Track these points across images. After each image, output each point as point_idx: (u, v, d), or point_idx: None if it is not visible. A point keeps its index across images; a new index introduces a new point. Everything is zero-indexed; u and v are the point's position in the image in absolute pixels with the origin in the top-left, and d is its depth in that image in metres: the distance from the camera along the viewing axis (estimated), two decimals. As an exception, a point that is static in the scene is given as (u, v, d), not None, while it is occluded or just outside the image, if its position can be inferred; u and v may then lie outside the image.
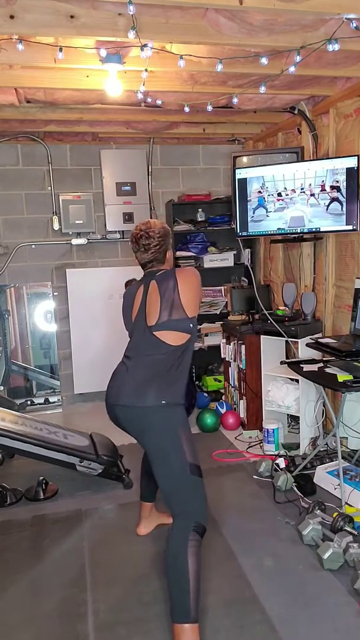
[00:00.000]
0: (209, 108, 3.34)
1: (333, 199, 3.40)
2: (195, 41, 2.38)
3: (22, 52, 2.33)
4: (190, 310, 2.17)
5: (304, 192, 3.55)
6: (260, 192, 3.77)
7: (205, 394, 4.61)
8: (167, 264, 2.36)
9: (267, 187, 3.73)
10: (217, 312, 4.81)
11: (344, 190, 3.36)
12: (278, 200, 3.69)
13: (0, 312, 4.72)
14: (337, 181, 3.36)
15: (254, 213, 3.83)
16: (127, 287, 3.08)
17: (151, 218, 4.78)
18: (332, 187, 3.38)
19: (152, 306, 2.20)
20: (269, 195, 3.73)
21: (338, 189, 3.36)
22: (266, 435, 3.62)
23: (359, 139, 3.30)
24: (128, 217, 4.73)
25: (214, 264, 4.86)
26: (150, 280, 2.25)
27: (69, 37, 2.32)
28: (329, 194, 3.41)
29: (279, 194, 3.68)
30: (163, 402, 2.11)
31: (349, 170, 3.31)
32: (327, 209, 3.45)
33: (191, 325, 2.19)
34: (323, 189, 3.43)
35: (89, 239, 4.77)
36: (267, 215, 3.78)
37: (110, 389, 2.27)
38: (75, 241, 4.73)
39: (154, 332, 2.17)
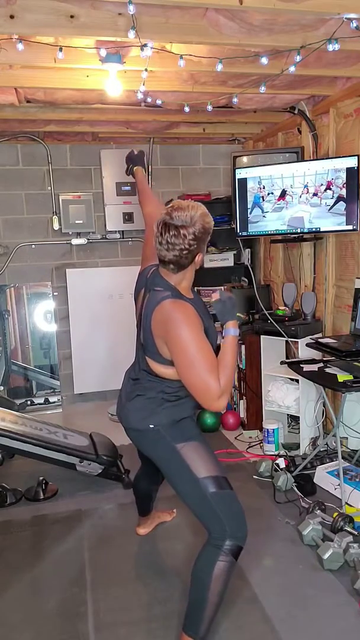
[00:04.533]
0: (209, 108, 3.33)
1: (339, 198, 3.39)
2: (195, 41, 2.38)
3: (22, 52, 2.33)
4: (164, 352, 1.81)
5: (304, 192, 3.55)
6: (257, 192, 3.77)
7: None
8: (190, 270, 1.85)
9: (266, 187, 3.73)
10: (217, 312, 4.80)
11: (344, 190, 3.36)
12: (278, 200, 3.69)
13: (0, 312, 4.72)
14: (343, 178, 3.35)
15: (250, 213, 3.84)
16: (128, 162, 2.66)
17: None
18: (342, 184, 3.36)
19: (141, 322, 1.91)
20: (268, 194, 3.73)
21: (342, 185, 3.35)
22: (266, 435, 3.62)
23: (359, 138, 3.30)
24: (128, 217, 4.73)
25: (214, 264, 4.85)
26: (149, 290, 1.89)
27: (69, 37, 2.32)
28: (337, 191, 3.38)
29: (279, 194, 3.68)
30: (151, 426, 1.90)
31: (349, 170, 3.30)
32: (330, 209, 3.44)
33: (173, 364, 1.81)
34: (328, 187, 3.43)
35: (89, 239, 4.77)
36: (264, 216, 3.78)
37: (118, 397, 2.12)
38: (75, 241, 4.73)
39: (146, 356, 1.91)
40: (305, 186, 3.54)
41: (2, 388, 4.68)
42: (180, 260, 1.77)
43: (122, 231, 4.82)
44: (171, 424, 1.90)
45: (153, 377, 1.92)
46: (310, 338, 3.40)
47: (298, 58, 2.47)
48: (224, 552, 1.77)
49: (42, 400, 4.78)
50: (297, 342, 3.56)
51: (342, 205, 3.39)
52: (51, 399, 4.80)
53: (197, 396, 1.76)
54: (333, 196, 3.42)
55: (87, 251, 4.86)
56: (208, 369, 1.71)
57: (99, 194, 4.76)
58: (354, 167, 3.28)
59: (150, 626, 2.08)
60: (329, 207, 3.45)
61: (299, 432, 3.58)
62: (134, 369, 2.04)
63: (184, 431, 1.91)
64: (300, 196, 3.58)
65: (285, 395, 3.59)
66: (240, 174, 3.85)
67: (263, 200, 3.76)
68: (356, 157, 3.26)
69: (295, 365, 3.13)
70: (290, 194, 3.63)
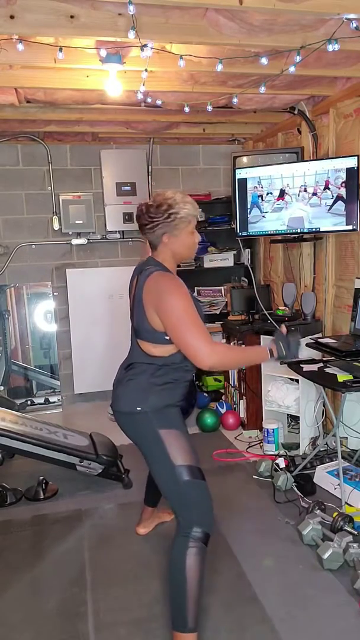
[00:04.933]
0: (209, 108, 3.34)
1: (338, 197, 3.39)
2: (195, 41, 2.38)
3: (22, 52, 2.33)
4: (155, 323, 1.90)
5: (305, 192, 3.55)
6: (255, 192, 3.77)
7: (205, 394, 4.61)
8: (166, 251, 1.97)
9: (264, 187, 3.73)
10: (217, 312, 4.81)
11: (344, 190, 3.36)
12: (277, 200, 3.70)
13: (0, 312, 4.72)
14: (343, 178, 3.35)
15: (249, 214, 3.84)
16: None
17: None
18: (340, 184, 3.36)
19: (134, 304, 2.02)
20: (267, 194, 3.73)
21: (344, 184, 3.35)
22: (266, 435, 3.62)
23: (359, 139, 3.30)
24: (128, 217, 4.73)
25: (214, 264, 4.86)
26: (140, 272, 2.01)
27: (69, 37, 2.32)
28: (336, 191, 3.39)
29: (279, 194, 3.68)
30: (138, 409, 1.98)
31: (349, 170, 3.31)
32: (329, 209, 3.44)
33: (166, 337, 1.90)
34: (327, 187, 3.43)
35: (89, 239, 4.77)
36: (264, 217, 3.78)
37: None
38: (75, 241, 4.73)
39: (138, 340, 2.02)
40: (305, 186, 3.54)
41: (2, 388, 4.68)
42: (150, 237, 1.97)
43: (122, 231, 4.82)
44: (158, 409, 1.98)
45: (145, 358, 2.00)
46: (310, 338, 3.39)
47: (298, 58, 2.47)
48: (192, 538, 1.85)
49: (42, 400, 4.79)
50: (297, 342, 3.56)
51: (340, 205, 3.39)
52: (51, 399, 4.80)
53: (186, 351, 1.83)
54: (332, 196, 3.42)
55: (87, 251, 4.86)
56: (197, 327, 1.80)
57: (99, 194, 4.76)
58: (353, 167, 3.28)
59: (150, 626, 2.08)
60: (329, 207, 3.45)
61: (298, 432, 3.58)
62: (126, 359, 2.14)
63: (169, 419, 2.00)
64: (299, 195, 3.58)
65: (285, 395, 3.59)
66: (240, 174, 3.85)
67: (262, 199, 3.76)
68: (356, 157, 3.26)
69: (295, 365, 3.13)
70: (290, 194, 3.63)
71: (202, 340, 1.79)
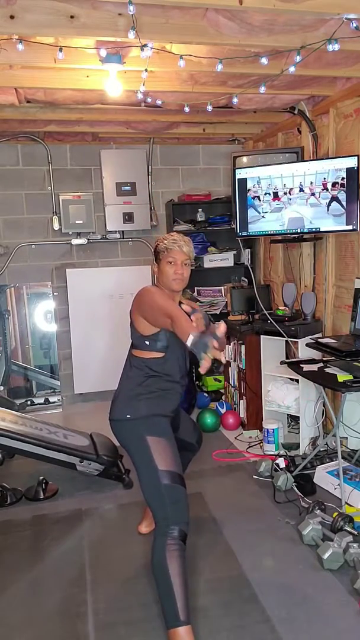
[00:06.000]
0: (209, 108, 3.33)
1: (333, 198, 3.40)
2: (195, 41, 2.38)
3: (22, 52, 2.33)
4: (140, 327, 2.16)
5: (303, 192, 3.55)
6: (249, 194, 3.78)
7: (205, 394, 4.61)
8: (158, 279, 2.27)
9: (262, 187, 3.73)
10: (217, 312, 4.81)
11: (343, 190, 3.36)
12: (274, 200, 3.70)
13: (0, 312, 4.72)
14: (343, 178, 3.35)
15: (247, 215, 3.84)
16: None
17: (152, 219, 4.86)
18: (335, 184, 3.37)
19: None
20: (265, 194, 3.73)
21: (342, 185, 3.35)
22: (266, 435, 3.62)
23: (359, 139, 3.30)
24: (128, 217, 4.73)
25: (214, 264, 4.86)
26: None
27: (69, 37, 2.32)
28: (330, 191, 3.40)
29: (276, 195, 3.68)
30: (128, 416, 2.18)
31: (349, 170, 3.31)
32: (328, 209, 3.45)
33: (146, 342, 2.16)
34: (325, 187, 3.43)
35: (89, 239, 4.77)
36: (263, 217, 3.78)
37: None
38: (75, 241, 4.73)
39: (132, 349, 2.26)
40: (303, 186, 3.54)
41: (2, 388, 4.68)
42: None
43: (122, 231, 4.82)
44: (146, 417, 2.16)
45: (135, 365, 2.21)
46: (310, 338, 3.40)
47: (298, 58, 2.47)
48: (170, 536, 1.96)
49: (42, 400, 4.79)
50: (297, 342, 3.56)
51: (336, 206, 3.39)
52: (51, 399, 4.81)
53: (177, 329, 1.90)
54: (332, 194, 3.42)
55: (87, 251, 4.86)
56: (178, 313, 1.94)
57: (99, 194, 4.76)
58: (353, 167, 3.28)
59: (149, 626, 2.08)
60: (327, 206, 3.45)
61: (299, 432, 3.58)
62: (122, 373, 2.32)
63: (157, 427, 2.17)
64: (299, 196, 3.58)
65: (285, 395, 3.59)
66: (240, 174, 3.85)
67: (259, 200, 3.76)
68: (356, 157, 3.26)
69: (295, 365, 3.13)
70: (289, 194, 3.63)
71: (183, 320, 1.92)
